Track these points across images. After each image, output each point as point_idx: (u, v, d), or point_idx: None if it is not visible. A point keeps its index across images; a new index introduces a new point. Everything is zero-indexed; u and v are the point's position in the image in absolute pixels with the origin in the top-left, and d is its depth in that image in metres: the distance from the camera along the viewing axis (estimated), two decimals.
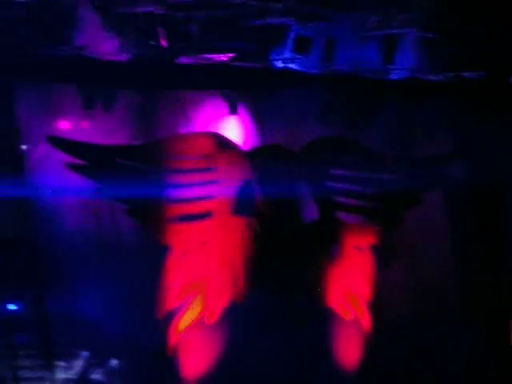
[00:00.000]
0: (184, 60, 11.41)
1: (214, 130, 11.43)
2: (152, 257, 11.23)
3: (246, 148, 11.60)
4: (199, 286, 11.43)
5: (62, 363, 11.54)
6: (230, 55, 11.58)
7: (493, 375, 11.48)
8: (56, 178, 11.14)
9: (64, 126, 11.47)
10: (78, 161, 11.11)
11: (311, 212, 11.59)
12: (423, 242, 11.63)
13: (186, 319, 11.37)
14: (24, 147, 11.34)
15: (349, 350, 11.57)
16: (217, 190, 11.39)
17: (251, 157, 11.58)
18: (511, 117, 11.71)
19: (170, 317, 11.36)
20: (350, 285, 11.76)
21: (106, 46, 11.33)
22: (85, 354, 11.65)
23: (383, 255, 11.65)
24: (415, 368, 11.46)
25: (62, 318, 11.32)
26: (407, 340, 11.44)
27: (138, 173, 11.27)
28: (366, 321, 11.75)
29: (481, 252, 12.02)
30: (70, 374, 11.57)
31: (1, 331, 11.09)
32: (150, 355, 11.29)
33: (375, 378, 11.36)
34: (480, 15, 11.40)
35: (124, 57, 11.30)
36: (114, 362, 11.63)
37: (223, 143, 11.44)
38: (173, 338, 11.33)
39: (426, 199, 11.95)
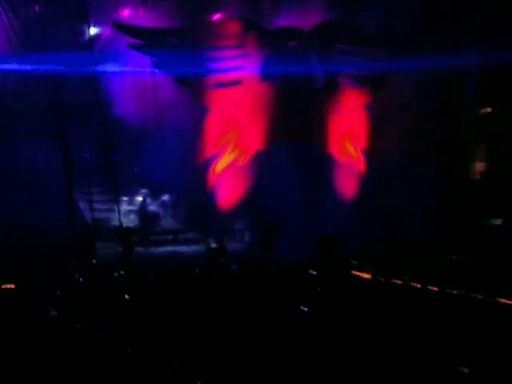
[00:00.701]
0: None
1: (242, 14, 14.39)
2: (194, 115, 14.40)
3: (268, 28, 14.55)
4: (232, 137, 14.57)
5: (126, 198, 14.77)
6: None
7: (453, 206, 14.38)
8: (120, 56, 14.23)
9: (125, 13, 14.51)
10: (137, 41, 14.17)
11: (319, 79, 14.57)
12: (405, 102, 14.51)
13: (221, 163, 14.54)
14: (94, 32, 14.46)
15: (346, 186, 14.62)
16: (245, 62, 14.37)
17: (273, 35, 14.51)
18: None
19: (209, 162, 14.57)
20: (349, 135, 14.81)
21: None
22: (143, 191, 14.86)
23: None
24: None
25: (129, 164, 14.51)
26: (392, 178, 14.33)
27: (184, 49, 14.28)
28: (360, 163, 14.83)
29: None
30: (132, 206, 14.80)
31: (80, 173, 14.25)
32: (193, 191, 14.49)
33: (367, 209, 14.34)
34: None
35: None
36: (166, 197, 14.83)
37: (250, 25, 14.39)
38: (211, 178, 14.55)
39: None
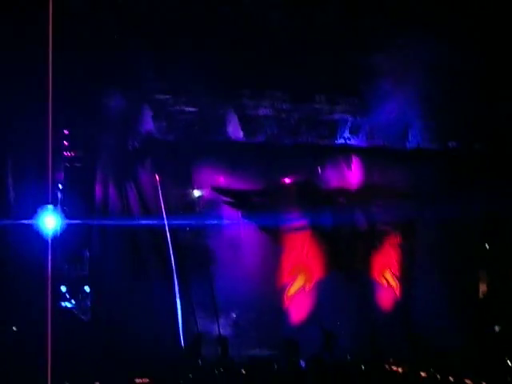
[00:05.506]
0: None
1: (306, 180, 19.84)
2: (275, 253, 19.69)
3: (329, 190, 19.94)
4: (301, 269, 19.82)
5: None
6: None
7: None
8: (218, 211, 19.58)
9: (221, 179, 19.69)
10: (229, 200, 19.59)
11: (363, 226, 20.00)
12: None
13: (293, 288, 19.75)
14: (198, 193, 19.77)
15: (385, 301, 19.92)
16: (307, 215, 19.76)
17: (327, 193, 19.89)
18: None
19: (285, 286, 19.75)
20: (387, 265, 20.15)
21: None
22: (235, 312, 19.50)
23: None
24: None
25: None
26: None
27: (264, 205, 19.63)
28: (395, 286, 20.17)
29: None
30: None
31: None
32: (273, 309, 19.53)
33: (401, 317, 19.70)
34: None
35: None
36: (252, 314, 19.30)
37: (312, 187, 19.82)
38: (286, 298, 19.71)
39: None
